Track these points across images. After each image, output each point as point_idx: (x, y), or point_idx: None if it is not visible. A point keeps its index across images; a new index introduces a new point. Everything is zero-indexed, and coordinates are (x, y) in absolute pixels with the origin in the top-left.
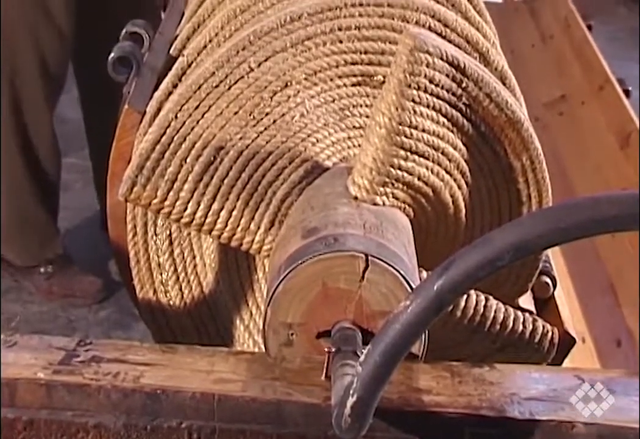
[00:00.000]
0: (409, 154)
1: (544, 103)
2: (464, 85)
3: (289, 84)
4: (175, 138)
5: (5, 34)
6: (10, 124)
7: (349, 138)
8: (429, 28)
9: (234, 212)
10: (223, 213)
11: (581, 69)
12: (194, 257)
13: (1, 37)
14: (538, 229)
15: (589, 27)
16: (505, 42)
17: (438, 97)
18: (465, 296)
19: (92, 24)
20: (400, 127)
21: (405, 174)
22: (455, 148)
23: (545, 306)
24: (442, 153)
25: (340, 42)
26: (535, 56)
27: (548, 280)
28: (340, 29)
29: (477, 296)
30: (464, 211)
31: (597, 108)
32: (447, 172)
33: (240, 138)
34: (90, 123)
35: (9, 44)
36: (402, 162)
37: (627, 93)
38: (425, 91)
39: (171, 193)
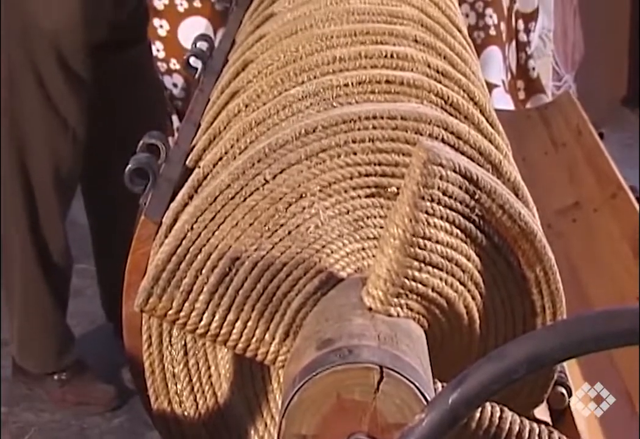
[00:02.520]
0: (422, 265)
1: (556, 210)
2: (476, 197)
3: (303, 195)
4: (191, 249)
5: (19, 141)
6: (25, 229)
7: (363, 249)
8: (442, 140)
9: (249, 323)
10: (238, 324)
11: (594, 177)
12: (209, 367)
13: (15, 142)
14: (552, 343)
15: (601, 135)
16: (517, 149)
17: (451, 208)
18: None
19: (104, 131)
20: (414, 238)
21: (420, 285)
22: (469, 259)
23: (561, 417)
24: (456, 264)
25: (355, 154)
26: (548, 163)
27: (563, 390)
28: (354, 141)
29: (492, 407)
30: (478, 321)
31: (610, 216)
32: (461, 283)
33: (256, 249)
34: (97, 229)
35: (23, 150)
36: (416, 274)
37: None
38: (439, 203)
39: (186, 304)
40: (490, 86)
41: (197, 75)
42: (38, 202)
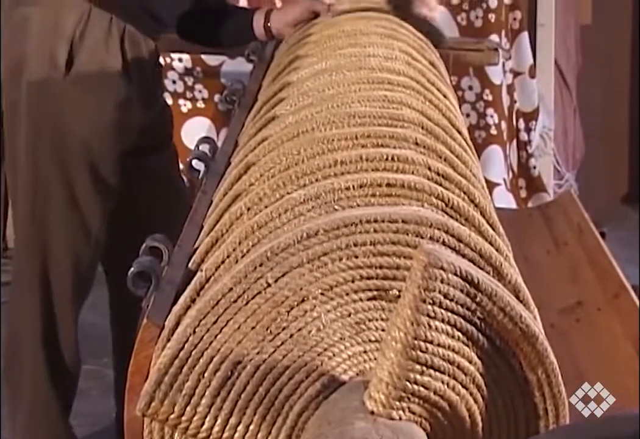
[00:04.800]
0: (424, 368)
1: (559, 309)
2: (478, 299)
3: (305, 298)
4: (193, 353)
5: (41, 243)
6: (38, 332)
7: (365, 352)
8: (443, 243)
9: (251, 427)
10: (240, 428)
11: (596, 276)
12: None
13: (37, 244)
14: None
15: (602, 235)
16: (519, 248)
17: (453, 311)
18: None
19: (125, 235)
20: (415, 341)
21: (422, 389)
22: (470, 362)
23: None
24: (458, 367)
25: (356, 257)
26: (550, 262)
27: None
28: (355, 245)
29: None
30: (480, 424)
31: (613, 315)
32: (463, 386)
33: (258, 352)
34: (117, 333)
35: (43, 252)
36: (418, 377)
37: None
38: (440, 306)
39: (188, 408)
40: (492, 185)
41: (200, 178)
42: (54, 305)
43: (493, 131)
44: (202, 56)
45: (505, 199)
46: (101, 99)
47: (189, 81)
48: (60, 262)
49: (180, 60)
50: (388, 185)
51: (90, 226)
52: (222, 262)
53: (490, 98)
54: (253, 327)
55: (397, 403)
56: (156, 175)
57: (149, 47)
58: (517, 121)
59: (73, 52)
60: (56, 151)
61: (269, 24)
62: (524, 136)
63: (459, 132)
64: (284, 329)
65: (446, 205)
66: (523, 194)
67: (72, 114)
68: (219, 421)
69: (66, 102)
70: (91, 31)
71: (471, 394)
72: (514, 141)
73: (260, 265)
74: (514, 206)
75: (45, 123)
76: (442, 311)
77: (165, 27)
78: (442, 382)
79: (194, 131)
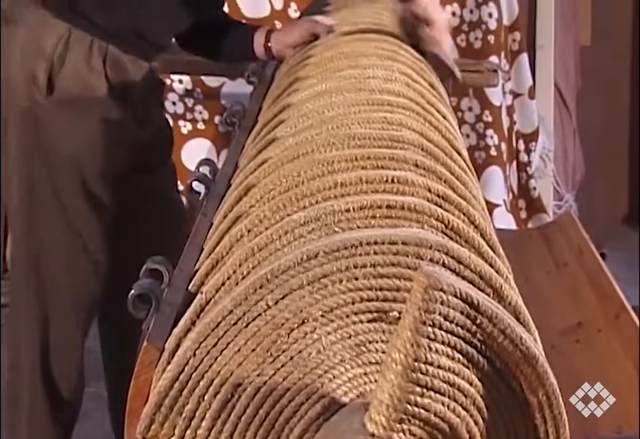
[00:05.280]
0: (425, 390)
1: (560, 330)
2: (478, 321)
3: (305, 320)
4: (193, 375)
5: (38, 264)
6: (35, 352)
7: (366, 374)
8: (443, 264)
9: None
10: None
11: (596, 297)
12: None
13: (34, 265)
14: None
15: (602, 255)
16: (519, 269)
17: (453, 333)
18: None
19: (124, 255)
20: (416, 363)
21: (422, 411)
22: (471, 384)
23: None
24: (458, 389)
25: (356, 279)
26: (550, 283)
27: None
28: (355, 267)
29: None
30: None
31: (613, 336)
32: (464, 408)
33: (258, 375)
34: (110, 353)
35: (41, 273)
36: (419, 399)
37: None
38: (440, 328)
39: (189, 431)
40: (492, 206)
41: (200, 199)
42: (54, 328)
43: (493, 152)
44: (202, 78)
45: (505, 220)
46: (83, 119)
47: (189, 102)
48: (59, 284)
49: (180, 81)
50: (388, 207)
51: (88, 246)
52: (223, 284)
53: (489, 119)
54: (253, 350)
55: (398, 425)
56: (153, 194)
57: (139, 67)
58: (516, 142)
59: (53, 73)
60: (46, 169)
61: (269, 44)
62: (523, 157)
63: (459, 154)
64: (284, 351)
65: (446, 226)
66: (523, 215)
67: (55, 134)
68: None
69: (49, 122)
70: (71, 52)
71: (472, 416)
72: (514, 162)
73: (261, 287)
74: (514, 226)
75: (31, 143)
76: (443, 332)
77: (160, 49)
78: (443, 404)
79: (194, 152)
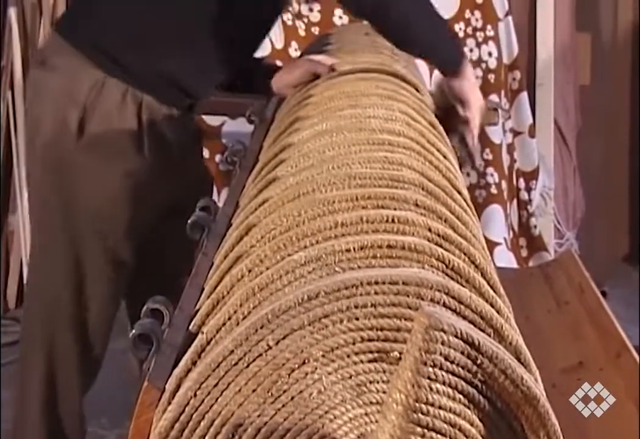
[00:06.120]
0: (426, 431)
1: (561, 369)
2: (479, 362)
3: (306, 361)
4: (194, 416)
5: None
6: (41, 400)
7: (366, 414)
8: (444, 304)
9: None
10: None
11: (597, 336)
12: None
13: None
14: None
15: (603, 294)
16: (520, 308)
17: (454, 374)
18: None
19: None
20: (416, 404)
21: None
22: (472, 425)
23: None
24: (459, 430)
25: (357, 319)
26: (551, 322)
27: None
28: (356, 307)
29: None
30: None
31: (615, 375)
32: None
33: (259, 415)
34: None
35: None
36: None
37: None
38: (441, 368)
39: None
40: (492, 244)
41: (200, 239)
42: (57, 373)
43: (493, 190)
44: (203, 116)
45: (506, 258)
46: (111, 168)
47: None
48: (66, 330)
49: None
50: (389, 247)
51: (101, 301)
52: (223, 324)
53: (490, 157)
54: (254, 390)
55: None
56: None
57: (176, 116)
58: (517, 180)
59: (85, 120)
60: (65, 217)
61: (269, 83)
62: (524, 195)
63: (459, 193)
64: (284, 391)
65: (447, 266)
66: (524, 253)
67: (81, 182)
68: None
69: (76, 169)
70: (104, 99)
71: None
72: (515, 200)
73: (261, 327)
74: (514, 265)
75: (56, 188)
76: (443, 373)
77: (199, 99)
78: None
79: None
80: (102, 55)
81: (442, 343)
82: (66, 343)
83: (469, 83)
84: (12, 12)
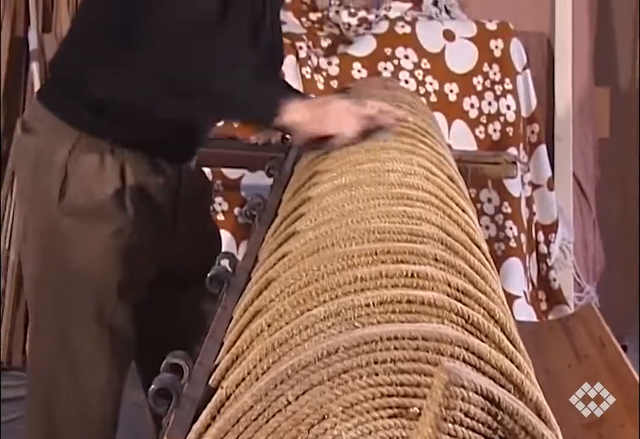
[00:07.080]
0: None
1: (582, 424)
2: (499, 418)
3: (326, 416)
4: None
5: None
6: None
7: None
8: (464, 360)
9: None
10: None
11: (618, 390)
12: None
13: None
14: None
15: (624, 348)
16: (540, 361)
17: (473, 430)
18: None
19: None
20: None
21: None
22: None
23: None
24: None
25: (377, 374)
26: (572, 376)
27: None
28: (376, 362)
29: None
30: None
31: (636, 431)
32: None
33: None
34: None
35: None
36: None
37: None
38: (461, 425)
39: None
40: (512, 297)
41: (220, 293)
42: None
43: (512, 244)
44: (222, 169)
45: (525, 311)
46: (94, 231)
47: None
48: (67, 412)
49: None
50: (408, 302)
51: (98, 382)
52: (243, 379)
53: (509, 210)
54: None
55: None
56: (179, 309)
57: (166, 173)
58: (536, 234)
59: (65, 184)
60: (56, 281)
61: (287, 137)
62: (543, 248)
63: (478, 247)
64: None
65: (466, 321)
66: (543, 306)
67: (67, 245)
68: None
69: (61, 233)
70: (83, 161)
71: None
72: (534, 254)
73: (281, 382)
74: (534, 318)
75: (47, 252)
76: (463, 429)
77: (191, 152)
78: None
79: None
80: (77, 115)
81: (462, 399)
82: (67, 423)
83: (312, 120)
84: (35, 67)
